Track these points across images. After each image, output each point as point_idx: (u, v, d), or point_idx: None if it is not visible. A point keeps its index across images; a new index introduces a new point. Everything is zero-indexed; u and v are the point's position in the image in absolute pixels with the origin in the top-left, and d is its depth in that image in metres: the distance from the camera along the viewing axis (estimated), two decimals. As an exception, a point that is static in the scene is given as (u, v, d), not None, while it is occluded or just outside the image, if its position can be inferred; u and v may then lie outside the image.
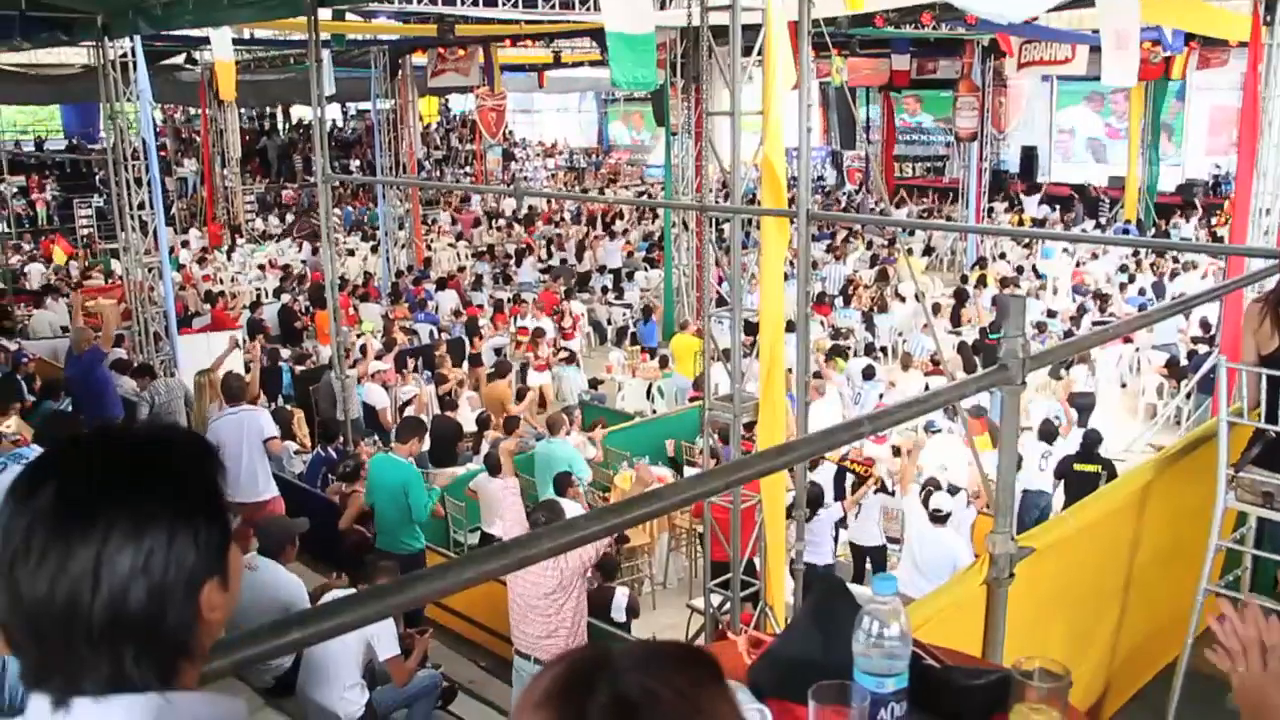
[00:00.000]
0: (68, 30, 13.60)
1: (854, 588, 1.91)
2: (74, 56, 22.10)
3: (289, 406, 13.41)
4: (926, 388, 14.10)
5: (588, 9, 15.12)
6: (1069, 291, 19.77)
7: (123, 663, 1.19)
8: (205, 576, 1.25)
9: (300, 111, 37.82)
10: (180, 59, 23.49)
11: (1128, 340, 16.04)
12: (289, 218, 30.40)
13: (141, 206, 14.38)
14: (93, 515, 1.19)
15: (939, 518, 8.73)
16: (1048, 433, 10.95)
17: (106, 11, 12.76)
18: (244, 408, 9.10)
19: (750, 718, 1.72)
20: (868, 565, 10.05)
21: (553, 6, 15.20)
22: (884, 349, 17.35)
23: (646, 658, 0.97)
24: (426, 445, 10.82)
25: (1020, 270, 20.97)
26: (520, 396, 13.70)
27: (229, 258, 24.71)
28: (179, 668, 1.25)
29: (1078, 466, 10.47)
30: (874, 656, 1.58)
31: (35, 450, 5.69)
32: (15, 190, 27.65)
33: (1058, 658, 1.70)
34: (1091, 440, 10.64)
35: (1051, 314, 16.94)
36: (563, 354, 15.43)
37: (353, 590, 5.86)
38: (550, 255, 25.11)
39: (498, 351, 16.36)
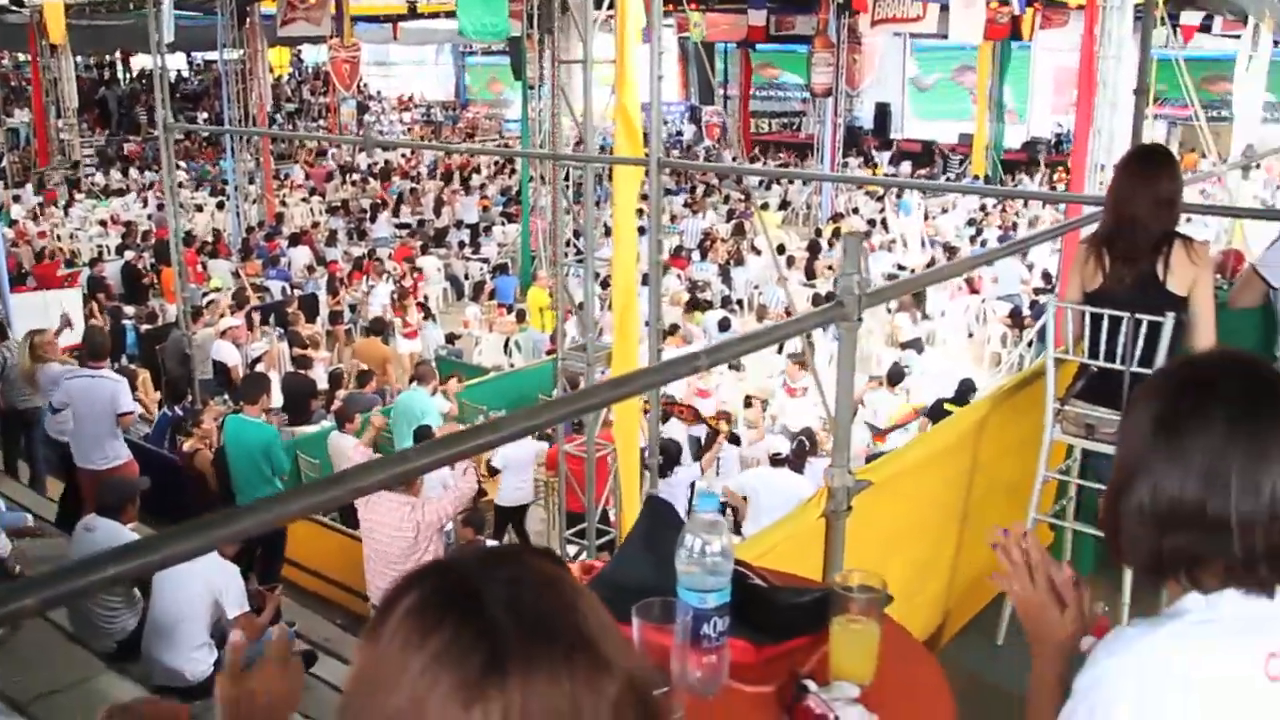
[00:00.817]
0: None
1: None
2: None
3: (133, 366, 12.98)
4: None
5: (440, -43, 14.86)
6: (920, 248, 20.25)
7: None
8: None
9: (142, 61, 36.28)
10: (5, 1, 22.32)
11: (974, 291, 16.55)
12: (132, 172, 29.24)
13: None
14: None
15: (778, 460, 8.97)
16: (894, 378, 11.20)
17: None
18: (104, 373, 8.55)
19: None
20: (727, 514, 10.22)
21: (405, -46, 14.89)
22: (740, 301, 17.56)
23: (499, 556, 0.96)
24: (277, 401, 10.61)
25: (873, 224, 21.40)
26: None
27: (66, 213, 23.64)
28: None
29: (946, 405, 10.82)
30: (696, 573, 1.60)
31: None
32: None
33: (897, 588, 1.76)
34: (965, 387, 10.95)
35: (902, 267, 17.36)
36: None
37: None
38: (399, 211, 24.75)
39: (353, 309, 16.11)
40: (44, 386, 8.99)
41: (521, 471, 9.47)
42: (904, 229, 21.05)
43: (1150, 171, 3.85)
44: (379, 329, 13.83)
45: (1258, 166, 13.54)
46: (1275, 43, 15.57)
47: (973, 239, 19.56)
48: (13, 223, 20.42)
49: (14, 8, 22.80)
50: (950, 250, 18.63)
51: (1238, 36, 17.23)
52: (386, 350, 13.39)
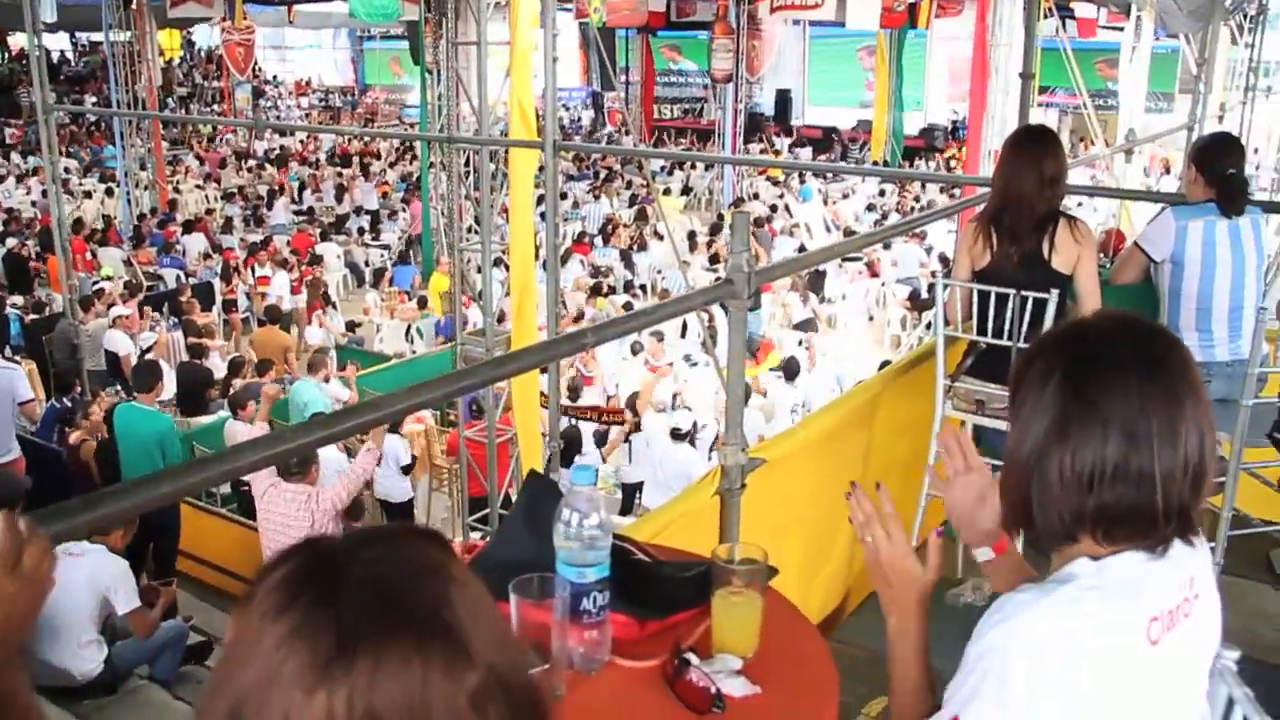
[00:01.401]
0: None
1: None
2: None
3: (18, 358, 12.58)
4: (684, 323, 14.42)
5: (334, -62, 14.59)
6: (825, 232, 20.43)
7: None
8: None
9: (21, 40, 35.10)
10: None
11: (874, 275, 16.78)
12: (15, 158, 28.30)
13: None
14: None
15: (678, 435, 9.06)
16: (791, 370, 11.25)
17: None
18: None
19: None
20: (635, 495, 10.23)
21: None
22: (643, 286, 17.59)
23: (374, 535, 0.92)
24: (170, 392, 10.37)
25: (774, 209, 21.56)
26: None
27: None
28: None
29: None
30: (574, 548, 1.58)
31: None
32: None
33: (795, 567, 1.76)
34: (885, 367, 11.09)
35: (802, 249, 17.51)
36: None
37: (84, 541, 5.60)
38: (301, 197, 24.34)
39: (248, 297, 15.83)
40: None
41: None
42: (805, 215, 21.24)
43: (1035, 150, 3.93)
44: (276, 317, 13.56)
45: (1139, 152, 13.94)
46: (1155, 36, 15.99)
47: (877, 224, 19.81)
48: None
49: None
50: (850, 234, 18.85)
51: (1122, 29, 17.69)
52: (287, 338, 13.15)
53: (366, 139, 30.88)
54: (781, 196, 23.10)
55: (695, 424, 9.89)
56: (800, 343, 13.06)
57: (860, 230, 19.62)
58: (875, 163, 26.56)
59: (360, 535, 0.92)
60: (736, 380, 3.16)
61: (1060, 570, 1.47)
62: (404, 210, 22.21)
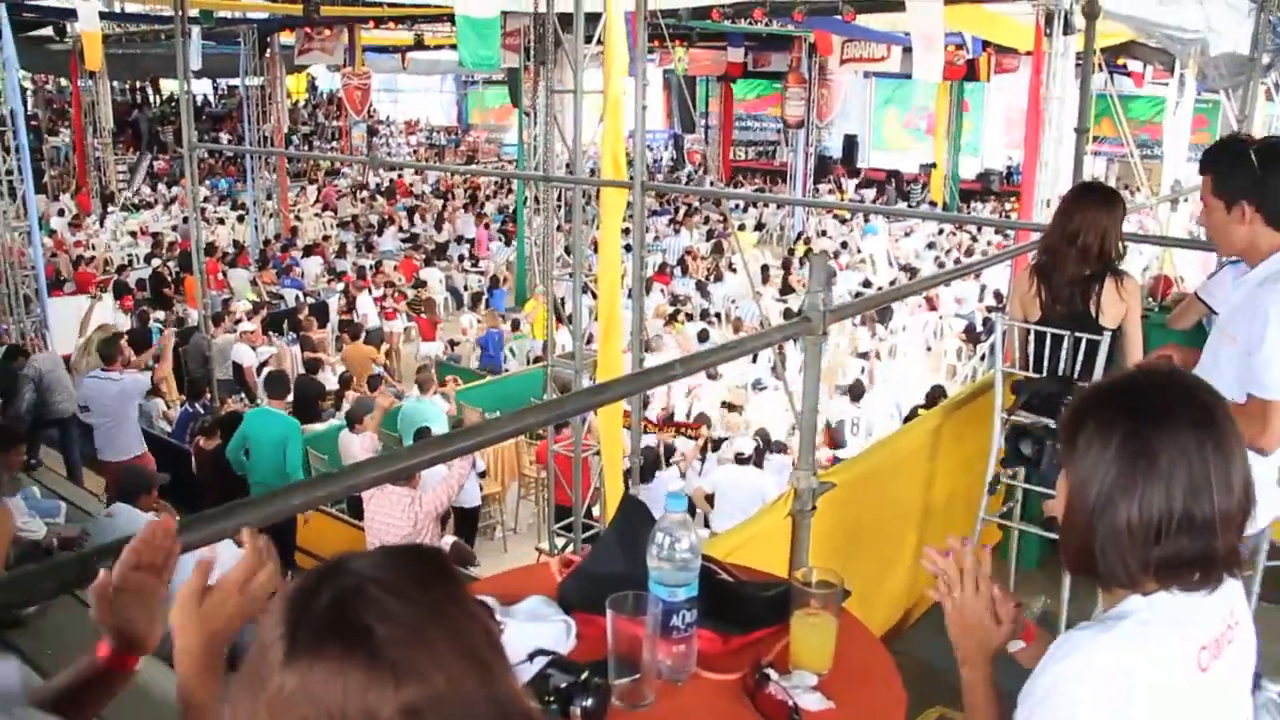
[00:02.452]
0: (-72, -3, 12.75)
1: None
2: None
3: (159, 365, 12.90)
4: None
5: (445, -6, 14.82)
6: (887, 266, 20.20)
7: None
8: None
9: (171, 85, 36.12)
10: (50, 30, 22.20)
11: (933, 308, 16.57)
12: (160, 188, 29.13)
13: (10, 173, 13.60)
14: None
15: (742, 460, 9.00)
16: (856, 391, 11.11)
17: (-32, -21, 12.01)
18: (112, 374, 8.48)
19: (557, 628, 1.71)
20: (700, 513, 10.16)
21: (414, -8, 14.87)
22: (718, 315, 17.54)
23: (377, 561, 0.93)
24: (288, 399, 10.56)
25: (845, 245, 21.42)
26: (386, 353, 13.54)
27: (101, 224, 23.59)
28: None
29: (920, 411, 10.85)
30: (666, 568, 1.58)
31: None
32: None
33: (860, 583, 1.74)
34: (936, 393, 10.92)
35: (868, 284, 17.35)
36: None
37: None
38: (413, 222, 24.70)
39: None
40: (84, 382, 9.03)
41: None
42: (870, 250, 21.07)
43: (1088, 209, 3.80)
44: (357, 334, 13.75)
45: (1185, 200, 13.63)
46: (1198, 91, 15.65)
47: (936, 261, 19.60)
48: (52, 233, 20.26)
49: (57, 37, 22.68)
50: (910, 270, 18.67)
51: (1167, 84, 17.35)
52: (373, 352, 13.35)
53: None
54: (849, 233, 22.96)
55: (762, 446, 9.80)
56: (864, 370, 12.94)
57: (920, 265, 19.45)
58: (934, 204, 26.30)
59: (360, 558, 0.93)
60: (811, 410, 3.13)
61: (1114, 607, 1.45)
62: (500, 240, 22.42)
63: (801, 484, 3.19)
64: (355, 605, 0.86)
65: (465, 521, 9.49)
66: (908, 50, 19.77)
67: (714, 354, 2.90)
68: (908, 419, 10.90)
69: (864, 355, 13.53)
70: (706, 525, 9.52)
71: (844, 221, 23.80)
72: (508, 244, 22.00)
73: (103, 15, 18.94)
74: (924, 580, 1.64)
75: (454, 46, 25.11)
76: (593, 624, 1.71)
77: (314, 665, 0.82)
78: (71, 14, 18.57)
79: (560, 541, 8.07)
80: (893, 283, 17.97)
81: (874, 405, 11.21)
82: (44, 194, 25.25)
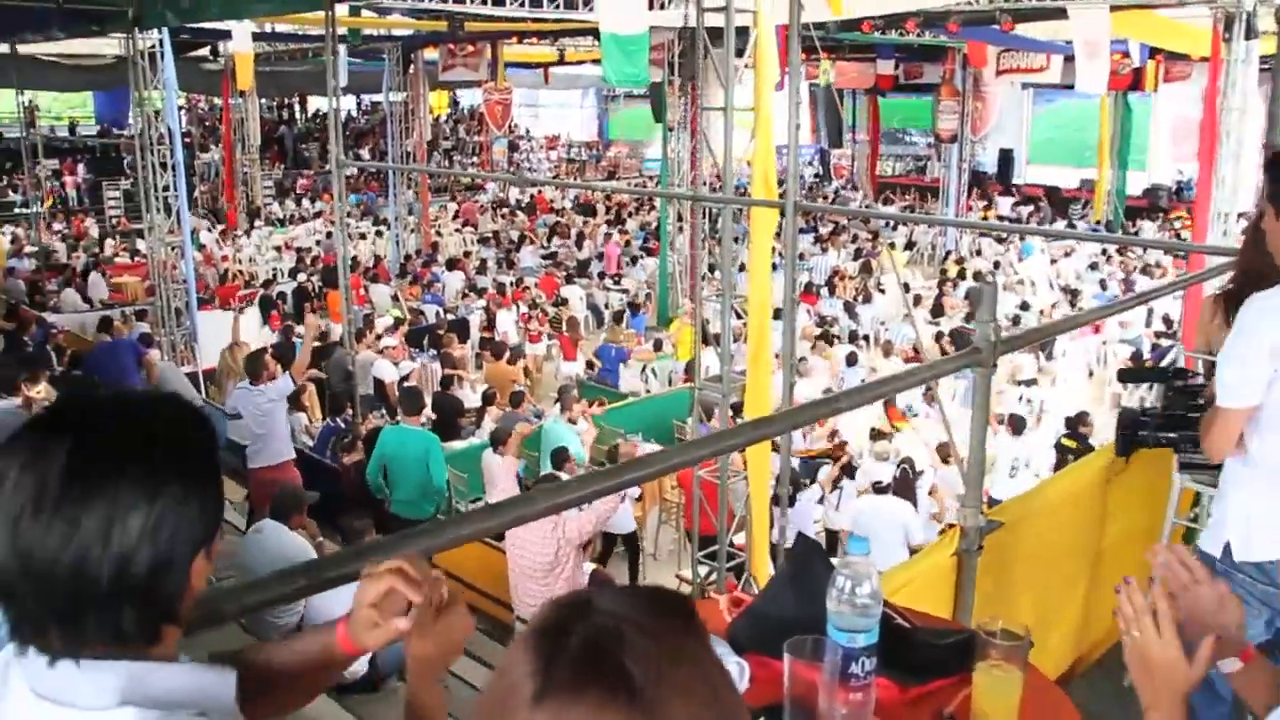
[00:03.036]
0: (100, 22, 13.56)
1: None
2: (106, 47, 21.98)
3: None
4: (905, 374, 14.12)
5: (589, 9, 15.04)
6: (1047, 289, 19.59)
7: (121, 622, 1.16)
8: (204, 542, 1.22)
9: (317, 102, 37.62)
10: (205, 50, 23.39)
11: (1096, 332, 16.05)
12: (305, 203, 30.32)
13: (166, 189, 14.35)
14: (105, 475, 1.15)
15: (880, 489, 8.87)
16: (1017, 424, 10.75)
17: (137, 5, 12.72)
18: (260, 388, 8.89)
19: (729, 670, 1.72)
20: (840, 540, 10.04)
21: (556, 6, 15.11)
22: (866, 337, 17.33)
23: (624, 600, 0.96)
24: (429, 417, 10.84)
25: (996, 265, 20.94)
26: (525, 372, 13.75)
27: (248, 238, 24.69)
28: (163, 632, 1.22)
29: (1064, 441, 10.55)
30: (846, 613, 1.58)
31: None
32: (49, 173, 27.52)
33: (1027, 626, 1.71)
34: (1076, 420, 10.60)
35: (1026, 307, 16.89)
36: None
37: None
38: (551, 239, 25.07)
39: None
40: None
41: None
42: (1028, 271, 20.51)
43: None
44: (500, 352, 13.98)
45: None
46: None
47: (1101, 283, 18.96)
48: (201, 247, 21.26)
49: (211, 57, 23.90)
50: (1072, 293, 18.12)
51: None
52: (514, 371, 13.53)
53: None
54: (1005, 253, 22.43)
55: (907, 472, 9.64)
56: (1021, 398, 12.59)
57: (1082, 287, 18.85)
58: (1097, 223, 25.48)
59: (609, 594, 0.95)
60: (979, 445, 3.08)
61: None
62: (643, 257, 22.59)
63: (968, 523, 3.14)
64: (612, 646, 0.88)
65: (627, 544, 9.78)
66: (1069, 60, 19.29)
67: (880, 386, 2.88)
68: (1059, 450, 10.60)
69: (1025, 383, 13.16)
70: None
71: (1001, 240, 23.24)
72: (633, 261, 22.16)
73: (255, 36, 19.85)
74: (1097, 625, 1.60)
75: (596, 62, 25.59)
76: (765, 666, 1.71)
77: (571, 706, 0.85)
78: (226, 35, 19.55)
79: (703, 570, 8.06)
80: (1053, 306, 17.48)
81: (1037, 438, 10.89)
82: (194, 209, 26.60)
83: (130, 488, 1.15)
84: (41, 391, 6.87)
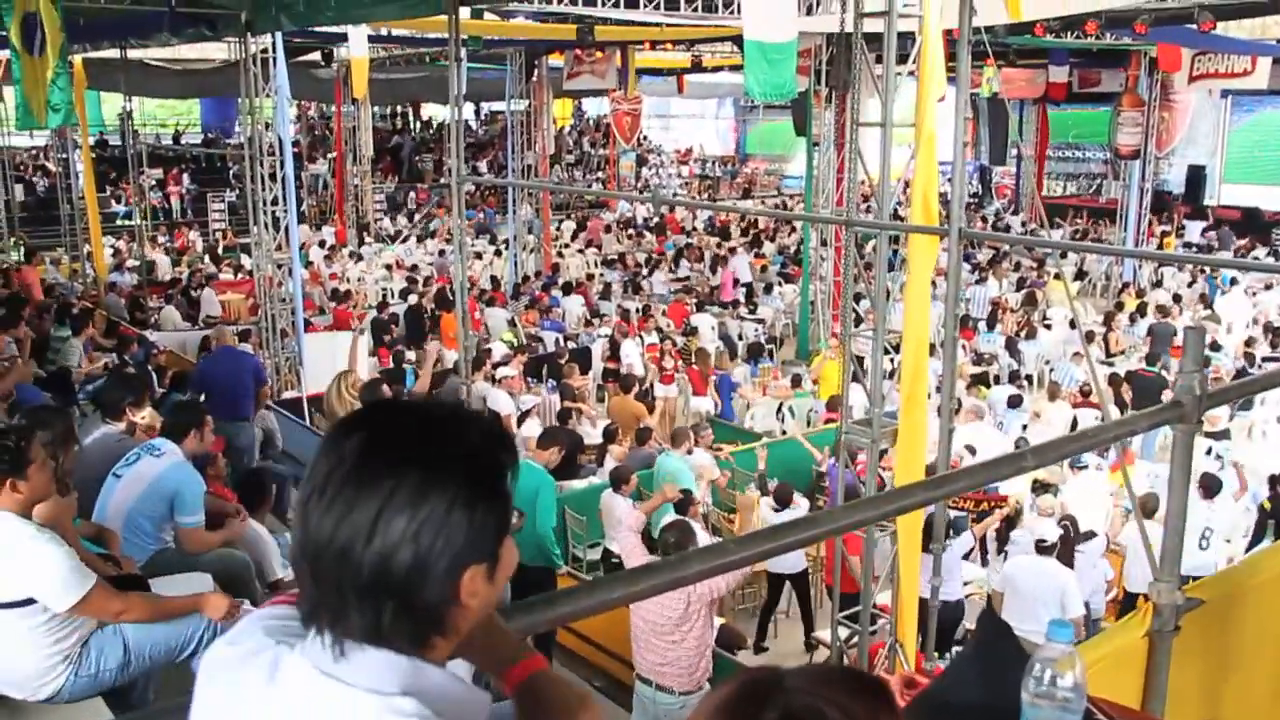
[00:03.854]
0: (212, 26, 14.09)
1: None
2: (214, 52, 22.92)
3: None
4: (1074, 421, 13.78)
5: (731, 12, 15.10)
6: (1244, 326, 18.80)
7: (381, 617, 1.29)
8: (471, 560, 1.33)
9: (431, 110, 38.53)
10: (316, 55, 24.15)
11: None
12: (416, 218, 30.98)
13: (274, 203, 14.79)
14: (383, 472, 1.30)
15: (1044, 548, 8.63)
16: (1211, 486, 10.16)
17: (250, 8, 13.20)
18: None
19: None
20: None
21: (695, 9, 15.22)
22: (1029, 377, 16.97)
23: (819, 678, 0.99)
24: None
25: (1177, 299, 20.27)
26: (650, 409, 13.73)
27: (358, 257, 25.28)
28: (431, 640, 1.34)
29: (1264, 503, 10.17)
30: (1045, 707, 1.54)
31: (164, 442, 5.85)
32: (153, 183, 28.66)
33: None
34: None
35: (1216, 347, 16.28)
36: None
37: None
38: (678, 266, 25.11)
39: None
40: None
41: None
42: (1222, 308, 19.75)
43: None
44: (629, 386, 13.97)
45: None
46: None
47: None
48: (309, 264, 21.83)
49: (323, 63, 24.68)
50: (1275, 332, 17.43)
51: None
52: (639, 407, 13.51)
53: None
54: (1192, 285, 21.73)
55: (1069, 530, 9.38)
56: (1211, 452, 12.12)
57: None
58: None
59: (801, 672, 0.97)
60: (1179, 512, 2.98)
61: None
62: (780, 284, 22.49)
63: (1163, 599, 3.04)
64: None
65: (796, 587, 9.97)
66: (1278, 62, 18.63)
67: (1068, 442, 2.82)
68: (1262, 515, 10.18)
69: (1216, 435, 12.67)
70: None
71: (1188, 272, 22.50)
72: (768, 289, 22.04)
73: (371, 39, 20.44)
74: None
75: (734, 68, 25.74)
76: (948, 761, 1.68)
77: None
78: (340, 39, 20.17)
79: (843, 632, 7.96)
80: (1247, 344, 16.84)
81: (1226, 500, 10.46)
82: (302, 224, 27.46)
83: (401, 490, 1.29)
84: (146, 417, 7.14)
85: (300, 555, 1.32)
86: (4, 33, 9.23)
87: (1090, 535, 9.69)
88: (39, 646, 4.09)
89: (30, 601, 4.01)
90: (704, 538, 8.16)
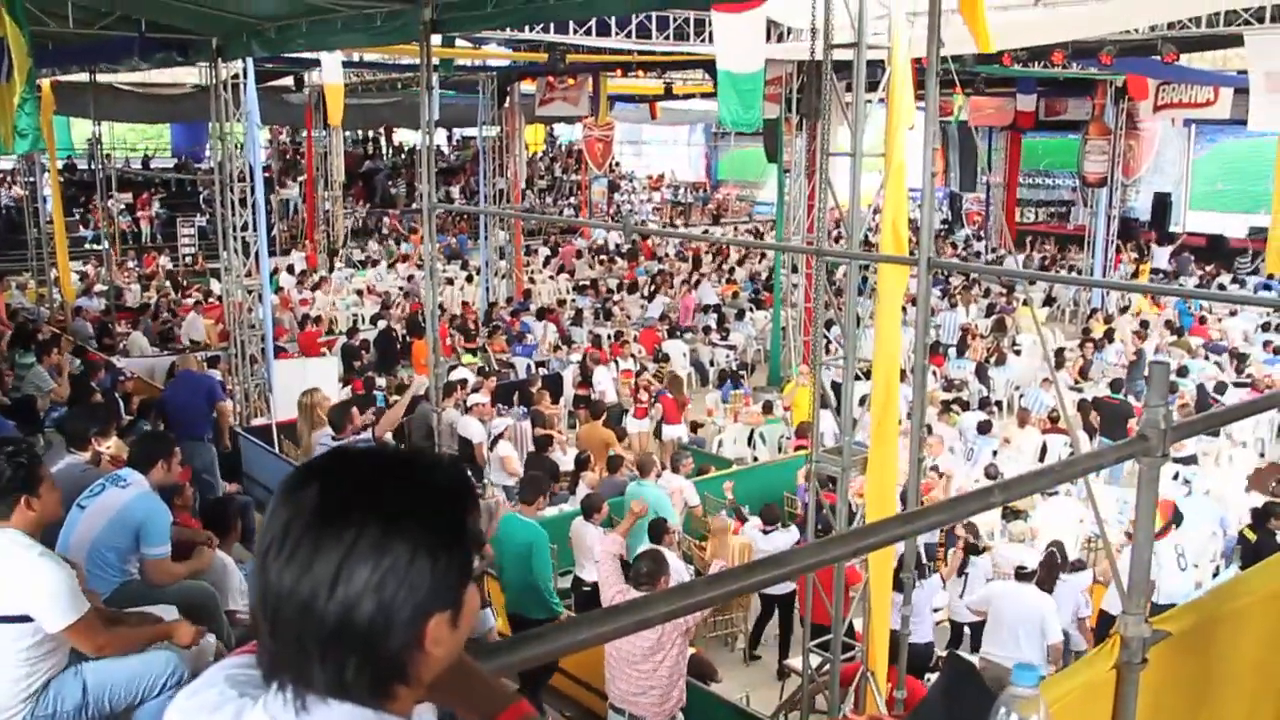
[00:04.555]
0: (183, 52, 14.03)
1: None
2: (185, 76, 22.86)
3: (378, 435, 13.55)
4: (1043, 446, 13.86)
5: (702, 40, 15.20)
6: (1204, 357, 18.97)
7: (344, 670, 1.28)
8: (434, 608, 1.32)
9: (403, 135, 38.52)
10: (288, 80, 24.12)
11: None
12: (390, 243, 30.93)
13: (245, 228, 14.70)
14: (344, 522, 1.28)
15: (1023, 575, 8.67)
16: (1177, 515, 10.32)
17: (221, 34, 13.17)
18: (348, 439, 8.96)
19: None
20: (966, 632, 9.80)
21: (666, 37, 15.30)
22: (999, 403, 17.06)
23: None
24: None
25: (1145, 324, 20.43)
26: (620, 437, 13.68)
27: (327, 282, 25.20)
28: (394, 691, 1.33)
29: (1245, 531, 10.21)
30: (1011, 751, 1.54)
31: (130, 472, 5.78)
32: (122, 207, 28.50)
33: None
34: (1269, 510, 10.22)
35: (1183, 372, 16.40)
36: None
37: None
38: (654, 293, 25.07)
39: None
40: (315, 449, 9.52)
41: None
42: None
43: None
44: (599, 412, 13.88)
45: None
46: None
47: (1272, 347, 18.33)
48: (278, 289, 21.74)
49: (294, 88, 24.66)
50: (1239, 358, 17.61)
51: None
52: (608, 434, 13.44)
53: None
54: (1159, 313, 21.93)
55: (1054, 556, 9.42)
56: (1178, 477, 12.23)
57: (1251, 350, 18.32)
58: (1271, 277, 24.72)
59: None
60: (1145, 543, 2.99)
61: None
62: (751, 310, 22.54)
63: (1130, 631, 3.04)
64: None
65: (781, 609, 10.01)
66: (1240, 92, 18.87)
67: (1038, 478, 2.82)
68: (1242, 546, 10.22)
69: (1183, 460, 12.78)
70: (976, 648, 9.21)
71: (1154, 300, 22.69)
72: (740, 315, 22.08)
73: (344, 65, 20.44)
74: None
75: (706, 95, 25.85)
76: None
77: None
78: (312, 64, 20.16)
79: (815, 660, 7.94)
80: (1218, 368, 17.00)
81: (1196, 527, 10.53)
82: (271, 249, 27.34)
83: (363, 541, 1.28)
84: (112, 447, 7.07)
85: (260, 608, 1.31)
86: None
87: (1080, 566, 9.74)
88: (16, 672, 4.05)
89: (26, 619, 3.99)
90: (677, 565, 8.14)
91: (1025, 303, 22.25)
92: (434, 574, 1.30)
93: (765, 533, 10.28)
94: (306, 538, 1.28)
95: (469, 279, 25.33)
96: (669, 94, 26.60)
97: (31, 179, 21.63)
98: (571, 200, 37.29)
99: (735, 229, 36.31)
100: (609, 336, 19.52)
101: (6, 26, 8.19)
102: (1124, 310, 22.74)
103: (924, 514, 2.23)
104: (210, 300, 21.40)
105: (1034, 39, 14.83)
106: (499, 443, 13.01)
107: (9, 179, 29.53)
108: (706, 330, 21.04)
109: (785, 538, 10.19)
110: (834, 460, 7.20)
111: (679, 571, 7.88)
